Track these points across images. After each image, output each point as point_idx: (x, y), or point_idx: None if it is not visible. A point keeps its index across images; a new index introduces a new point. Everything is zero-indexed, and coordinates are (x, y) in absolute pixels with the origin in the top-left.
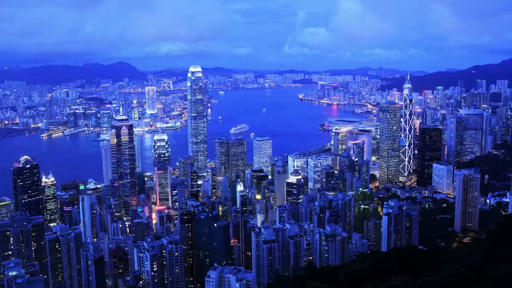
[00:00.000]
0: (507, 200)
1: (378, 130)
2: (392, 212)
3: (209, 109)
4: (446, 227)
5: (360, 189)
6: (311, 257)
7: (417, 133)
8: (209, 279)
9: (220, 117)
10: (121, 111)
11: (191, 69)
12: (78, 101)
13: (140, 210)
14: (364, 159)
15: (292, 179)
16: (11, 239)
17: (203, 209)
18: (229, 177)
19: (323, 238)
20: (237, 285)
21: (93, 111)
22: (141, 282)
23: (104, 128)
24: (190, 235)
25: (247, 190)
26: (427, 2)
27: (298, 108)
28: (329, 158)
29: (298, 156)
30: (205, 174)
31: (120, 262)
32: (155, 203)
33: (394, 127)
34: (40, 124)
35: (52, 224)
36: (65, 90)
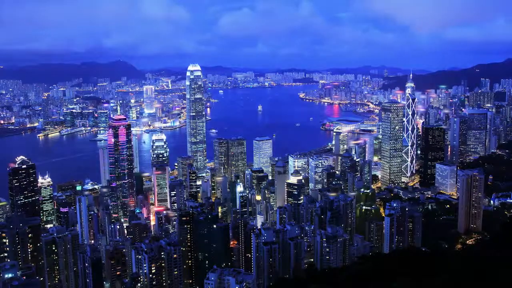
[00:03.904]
0: None
1: (380, 130)
2: (395, 213)
3: (208, 109)
4: (449, 228)
5: (362, 189)
6: (312, 259)
7: (420, 133)
8: (208, 281)
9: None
10: (118, 111)
11: (190, 67)
12: (75, 100)
13: (138, 211)
14: (366, 159)
15: (293, 179)
16: (7, 240)
17: (202, 210)
18: (229, 177)
19: (324, 239)
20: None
21: (90, 111)
22: (139, 284)
23: (101, 128)
24: (189, 236)
25: (247, 191)
26: None
27: (298, 107)
28: (330, 158)
29: (298, 156)
30: (204, 174)
31: (117, 264)
32: (153, 204)
33: (397, 127)
34: (36, 124)
35: (48, 226)
36: (62, 89)
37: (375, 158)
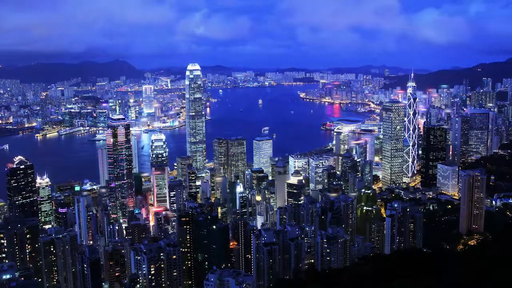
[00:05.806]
0: None
1: (381, 129)
2: (396, 214)
3: (207, 108)
4: (451, 229)
5: (363, 190)
6: (312, 260)
7: (421, 133)
8: (208, 283)
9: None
10: (117, 110)
11: (190, 67)
12: (73, 100)
13: (137, 211)
14: (367, 159)
15: (293, 179)
16: (5, 241)
17: (201, 211)
18: (229, 177)
19: (325, 240)
20: None
21: (89, 110)
22: (138, 285)
23: (100, 128)
24: (188, 237)
25: (247, 191)
26: None
27: (298, 107)
28: (331, 159)
29: (299, 156)
30: (203, 174)
31: (116, 265)
32: (152, 205)
33: (398, 127)
34: (34, 124)
35: (47, 226)
36: (60, 88)
37: (376, 158)
